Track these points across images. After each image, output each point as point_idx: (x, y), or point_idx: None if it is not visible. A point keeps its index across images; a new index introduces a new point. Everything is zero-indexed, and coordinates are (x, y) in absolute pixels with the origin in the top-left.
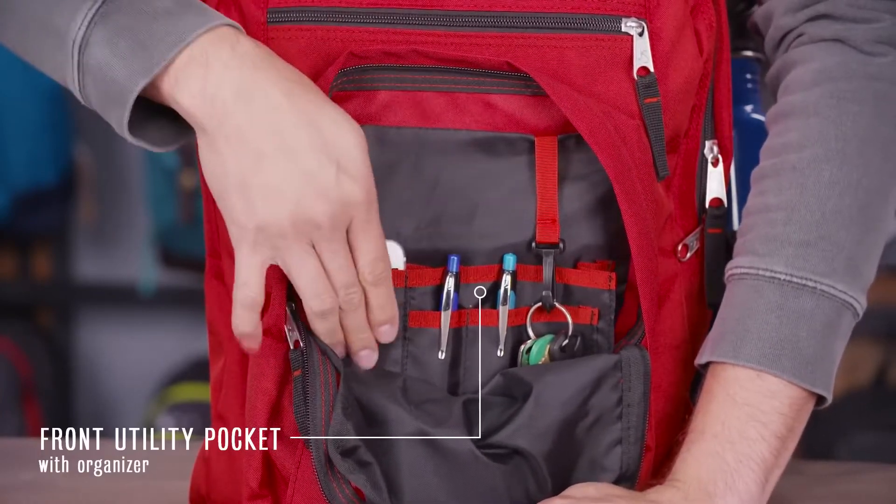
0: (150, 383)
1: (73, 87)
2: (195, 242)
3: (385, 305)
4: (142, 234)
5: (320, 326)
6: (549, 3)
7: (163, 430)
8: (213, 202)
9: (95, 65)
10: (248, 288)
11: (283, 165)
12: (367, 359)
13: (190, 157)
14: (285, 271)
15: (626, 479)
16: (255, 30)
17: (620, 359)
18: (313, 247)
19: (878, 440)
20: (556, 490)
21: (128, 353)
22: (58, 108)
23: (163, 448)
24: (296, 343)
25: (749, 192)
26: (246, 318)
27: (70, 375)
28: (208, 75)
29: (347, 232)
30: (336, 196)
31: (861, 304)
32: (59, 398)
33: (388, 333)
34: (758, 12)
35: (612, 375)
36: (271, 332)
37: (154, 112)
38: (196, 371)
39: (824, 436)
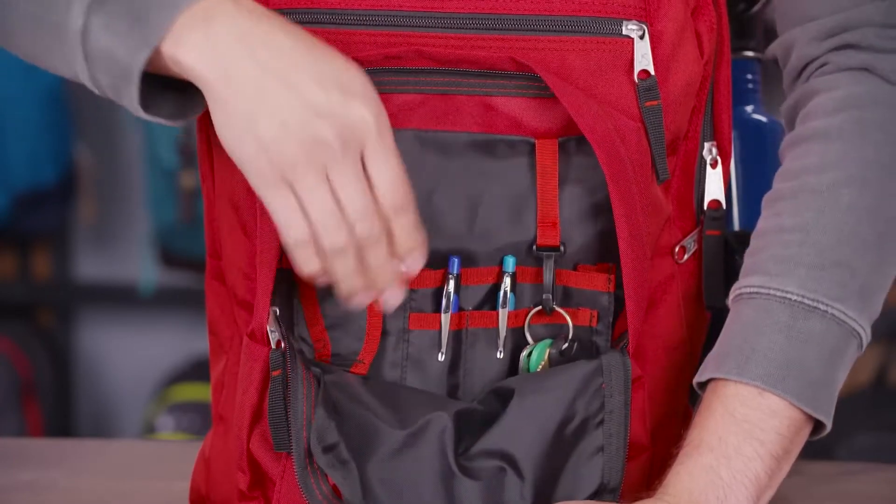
0: (150, 383)
1: (85, 79)
2: (195, 242)
3: (410, 233)
4: (142, 234)
5: (337, 267)
6: (550, 5)
7: (163, 430)
8: (214, 203)
9: (99, 50)
10: (292, 228)
11: (286, 98)
12: (394, 297)
13: (190, 157)
14: (303, 205)
15: (609, 492)
16: None
17: (601, 364)
18: (328, 179)
19: (878, 440)
20: None
21: (128, 353)
22: (58, 108)
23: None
24: (277, 343)
25: (749, 191)
26: (307, 257)
27: (70, 375)
28: (210, 27)
29: (362, 161)
30: (342, 115)
31: (867, 335)
32: (59, 398)
33: (417, 261)
34: (777, 42)
35: (594, 381)
36: (255, 336)
37: (168, 87)
38: (196, 371)
39: (824, 436)
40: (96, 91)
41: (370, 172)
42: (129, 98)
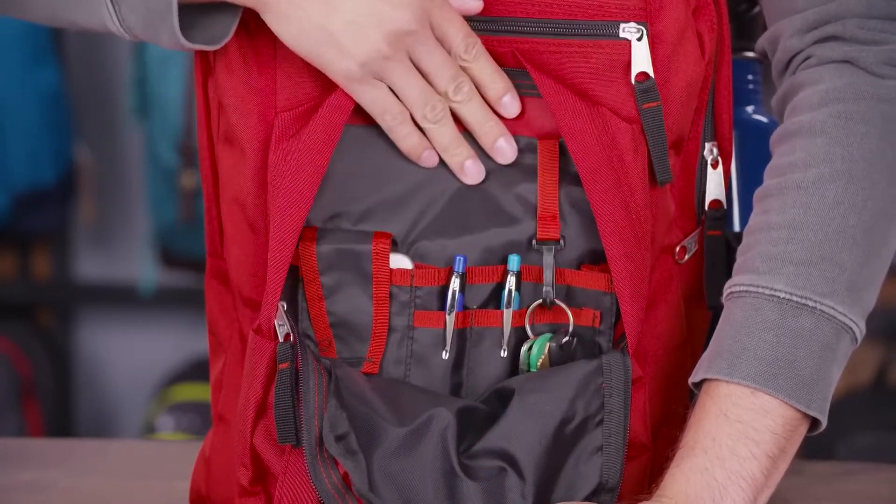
0: (150, 383)
1: (113, 25)
2: (195, 242)
3: (494, 76)
4: (142, 234)
5: (442, 137)
6: (550, 8)
7: (163, 430)
8: (214, 202)
9: None
10: (387, 114)
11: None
12: (504, 152)
13: (190, 157)
14: (396, 92)
15: (607, 492)
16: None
17: (601, 364)
18: (411, 60)
19: (878, 440)
20: None
21: (128, 353)
22: (58, 108)
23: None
24: (286, 336)
25: (750, 192)
26: (405, 133)
27: (70, 375)
28: None
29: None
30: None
31: (860, 329)
32: (59, 398)
33: (511, 105)
34: (764, 36)
35: (594, 381)
36: (262, 331)
37: (199, 16)
38: (196, 371)
39: (824, 436)
40: (126, 36)
41: (439, 37)
42: (169, 30)
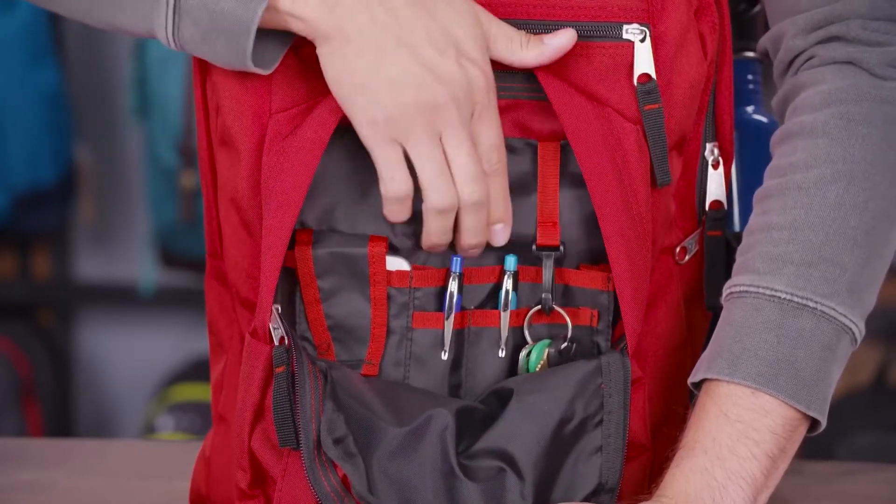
0: (150, 383)
1: (163, 33)
2: (195, 242)
3: (501, 199)
4: (142, 234)
5: (435, 224)
6: (553, 10)
7: (163, 430)
8: (214, 202)
9: (198, 2)
10: (394, 182)
11: (403, 58)
12: (475, 254)
13: (190, 157)
14: (414, 163)
15: (607, 492)
16: None
17: (600, 364)
18: (441, 140)
19: (878, 440)
20: None
21: (128, 353)
22: (58, 108)
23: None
24: (280, 339)
25: (750, 192)
26: (399, 211)
27: (70, 375)
28: None
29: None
30: (458, 79)
31: (860, 330)
32: (59, 398)
33: (501, 234)
34: (766, 35)
35: (593, 382)
36: (257, 335)
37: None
38: (196, 371)
39: (824, 436)
40: (172, 45)
41: (474, 132)
42: (239, 50)
